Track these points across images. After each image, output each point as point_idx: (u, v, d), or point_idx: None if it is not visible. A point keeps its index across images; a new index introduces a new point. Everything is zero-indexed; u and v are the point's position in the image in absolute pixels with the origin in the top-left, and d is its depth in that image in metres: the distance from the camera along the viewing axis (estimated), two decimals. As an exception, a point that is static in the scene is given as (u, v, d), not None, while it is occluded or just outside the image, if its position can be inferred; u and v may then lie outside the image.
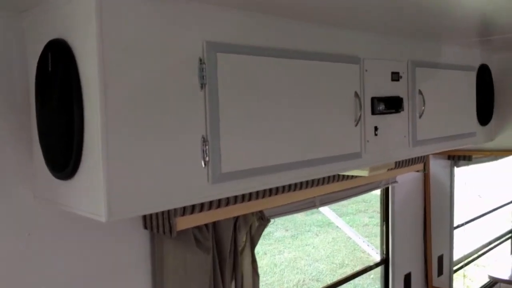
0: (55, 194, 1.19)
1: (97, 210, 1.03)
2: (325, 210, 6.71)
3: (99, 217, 1.03)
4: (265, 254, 8.40)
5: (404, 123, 1.93)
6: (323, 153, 1.56)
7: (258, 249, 7.86)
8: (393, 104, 1.83)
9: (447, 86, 2.18)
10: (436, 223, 3.08)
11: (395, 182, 2.62)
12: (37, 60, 1.19)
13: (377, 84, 1.78)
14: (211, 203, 1.52)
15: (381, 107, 1.77)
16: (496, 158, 3.24)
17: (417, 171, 2.65)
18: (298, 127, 1.46)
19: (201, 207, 1.50)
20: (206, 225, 1.56)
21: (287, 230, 9.37)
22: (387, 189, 2.70)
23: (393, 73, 1.86)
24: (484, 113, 2.51)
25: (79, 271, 1.45)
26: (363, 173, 1.85)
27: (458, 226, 3.45)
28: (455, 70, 2.24)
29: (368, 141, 1.74)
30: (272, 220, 1.82)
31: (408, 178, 2.80)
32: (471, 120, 2.41)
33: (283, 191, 1.80)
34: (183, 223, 1.46)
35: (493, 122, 2.59)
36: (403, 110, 1.89)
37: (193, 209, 1.48)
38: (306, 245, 8.74)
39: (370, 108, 1.75)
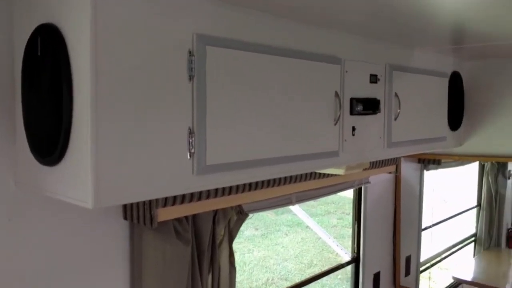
0: (40, 180, 1.19)
1: (83, 196, 1.04)
2: (295, 210, 6.79)
3: (85, 204, 1.03)
4: (235, 252, 8.40)
5: (380, 124, 1.99)
6: (303, 150, 1.60)
7: (228, 248, 7.82)
8: (370, 106, 1.89)
9: (421, 90, 2.26)
10: (405, 224, 3.17)
11: (368, 182, 2.69)
12: (24, 44, 1.18)
13: (356, 85, 1.83)
14: (192, 195, 1.54)
15: (359, 107, 1.82)
16: (463, 163, 3.36)
17: (390, 172, 2.73)
18: (280, 123, 1.49)
19: (182, 199, 1.51)
20: (186, 217, 1.58)
21: (257, 229, 9.41)
22: (360, 189, 2.76)
23: (371, 75, 1.92)
24: (455, 119, 2.61)
25: (58, 258, 1.44)
26: (339, 171, 1.90)
27: (425, 228, 3.56)
28: (429, 75, 2.33)
29: (345, 140, 1.79)
30: (250, 215, 1.85)
31: (381, 179, 2.88)
32: (442, 124, 2.50)
33: (262, 187, 1.83)
34: (164, 214, 1.47)
35: (462, 127, 2.70)
36: (379, 111, 1.95)
37: (174, 200, 1.49)
38: (276, 245, 8.81)
39: (349, 108, 1.80)
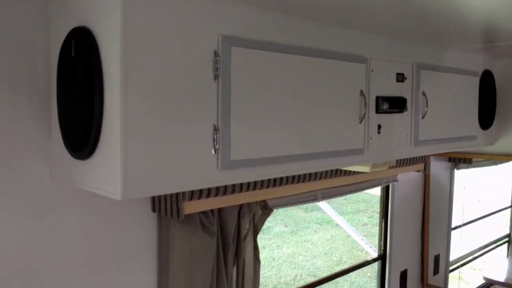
0: (72, 173, 1.26)
1: (112, 188, 1.10)
2: (325, 207, 6.79)
3: (114, 195, 1.10)
4: (264, 248, 8.48)
5: (407, 123, 1.99)
6: (327, 147, 1.63)
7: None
8: (397, 104, 1.89)
9: (450, 89, 2.24)
10: (434, 223, 3.15)
11: (396, 180, 2.69)
12: (60, 46, 1.25)
13: (382, 84, 1.84)
14: (217, 189, 1.59)
15: (385, 106, 1.83)
16: (495, 162, 3.30)
17: (418, 171, 2.71)
18: (304, 121, 1.52)
19: (208, 193, 1.57)
20: (212, 210, 1.63)
21: (286, 226, 9.45)
22: (387, 187, 2.76)
23: (398, 74, 1.92)
24: (486, 118, 2.57)
25: (89, 249, 1.52)
26: (365, 169, 1.91)
27: (456, 228, 3.51)
28: (459, 74, 2.30)
29: (371, 138, 1.81)
30: (275, 210, 1.89)
31: (409, 178, 2.87)
32: (473, 123, 2.46)
33: (286, 183, 1.86)
34: (190, 207, 1.53)
35: (494, 126, 2.65)
36: (406, 110, 1.95)
37: (200, 194, 1.55)
38: (305, 241, 8.83)
39: (374, 106, 1.81)
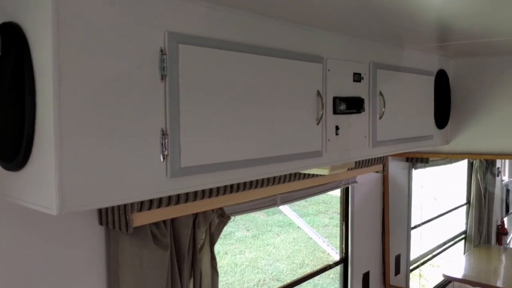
0: (4, 186, 1.14)
1: (47, 202, 0.99)
2: (286, 210, 6.76)
3: (50, 210, 0.99)
4: (226, 254, 8.38)
5: (365, 123, 1.96)
6: (284, 150, 1.56)
7: (219, 249, 7.77)
8: (354, 105, 1.86)
9: (406, 89, 2.23)
10: (394, 223, 3.15)
11: (355, 182, 2.66)
12: None
13: (339, 84, 1.80)
14: (169, 199, 1.49)
15: (343, 107, 1.78)
16: (451, 161, 3.35)
17: (377, 172, 2.70)
18: (260, 123, 1.45)
19: (159, 202, 1.47)
20: (164, 221, 1.53)
21: (248, 230, 9.40)
22: (347, 189, 2.73)
23: (355, 74, 1.89)
24: (441, 117, 2.59)
25: (30, 268, 1.39)
26: (324, 171, 1.86)
27: (415, 227, 3.54)
28: (414, 74, 2.30)
29: (329, 140, 1.76)
30: (232, 218, 1.81)
31: (368, 179, 2.85)
32: (429, 123, 2.47)
33: (244, 189, 1.79)
34: (140, 219, 1.43)
35: (449, 125, 2.68)
36: (364, 110, 1.91)
37: (150, 204, 1.45)
38: (267, 245, 8.79)
39: (332, 107, 1.76)
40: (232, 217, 1.82)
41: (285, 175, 2.04)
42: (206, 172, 1.29)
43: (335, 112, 1.77)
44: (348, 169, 2.03)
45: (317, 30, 1.69)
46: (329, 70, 1.74)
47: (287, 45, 1.56)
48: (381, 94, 2.01)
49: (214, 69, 1.29)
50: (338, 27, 1.70)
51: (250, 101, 1.41)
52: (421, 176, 3.47)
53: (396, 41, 2.07)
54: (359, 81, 1.91)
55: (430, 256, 4.13)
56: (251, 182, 1.86)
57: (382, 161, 2.65)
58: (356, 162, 2.37)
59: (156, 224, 1.50)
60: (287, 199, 2.15)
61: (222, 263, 8.05)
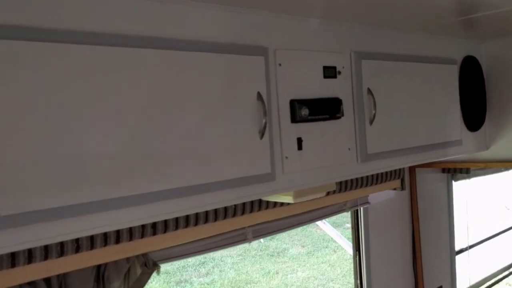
0: None
1: None
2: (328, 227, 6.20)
3: None
4: (277, 273, 7.94)
5: (347, 132, 1.49)
6: (216, 176, 1.15)
7: (270, 268, 7.34)
8: (325, 108, 1.40)
9: (413, 82, 1.72)
10: (431, 249, 2.58)
11: (366, 203, 2.16)
12: None
13: (299, 82, 1.36)
14: (46, 249, 1.12)
15: (305, 112, 1.34)
16: (496, 171, 2.72)
17: (394, 189, 2.18)
18: (179, 141, 1.06)
19: (28, 257, 1.10)
20: (47, 279, 1.16)
21: (303, 247, 8.96)
22: (357, 212, 2.23)
23: (326, 68, 1.43)
24: (474, 116, 2.04)
25: None
26: (287, 199, 1.42)
27: (460, 251, 2.93)
28: (425, 63, 1.79)
29: (287, 157, 1.32)
30: (162, 266, 1.40)
31: (387, 197, 2.32)
32: (454, 125, 1.94)
33: (176, 227, 1.38)
34: (8, 278, 1.07)
35: (486, 127, 2.11)
36: (342, 115, 1.45)
37: (12, 260, 1.08)
38: (322, 263, 8.27)
39: (288, 114, 1.33)
40: (164, 264, 1.41)
41: (253, 202, 1.61)
42: (84, 212, 0.91)
43: (294, 119, 1.33)
44: (327, 193, 1.56)
45: (260, 12, 1.27)
46: (280, 64, 1.31)
47: (212, 34, 1.16)
48: (370, 92, 1.54)
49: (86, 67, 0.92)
50: (295, 7, 1.27)
51: (165, 111, 1.04)
52: (464, 189, 2.86)
53: (394, 23, 1.59)
54: (334, 76, 1.46)
55: (489, 283, 3.44)
56: (196, 215, 1.45)
57: (400, 175, 2.13)
58: (361, 179, 1.88)
59: (33, 284, 1.13)
60: (264, 231, 1.71)
61: (272, 284, 7.61)
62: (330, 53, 1.45)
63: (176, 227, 1.37)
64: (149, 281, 1.34)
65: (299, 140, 1.35)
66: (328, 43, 1.46)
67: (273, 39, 1.30)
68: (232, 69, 1.19)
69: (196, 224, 1.42)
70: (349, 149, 1.50)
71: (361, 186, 1.90)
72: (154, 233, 1.32)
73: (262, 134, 1.23)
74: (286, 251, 8.90)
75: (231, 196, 1.20)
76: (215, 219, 1.52)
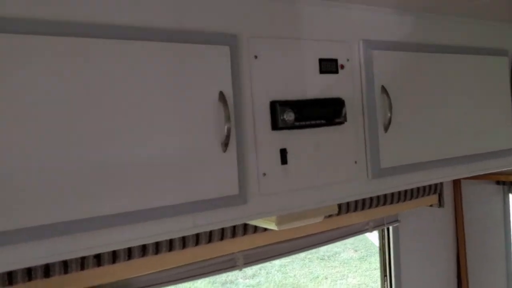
0: None
1: None
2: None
3: None
4: (326, 278, 7.58)
5: (353, 141, 1.19)
6: (162, 198, 0.90)
7: (319, 272, 7.01)
8: (320, 112, 1.11)
9: (450, 80, 1.38)
10: (482, 272, 2.19)
11: (396, 221, 1.81)
12: None
13: (284, 79, 1.07)
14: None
15: (289, 116, 1.05)
16: None
17: (430, 205, 1.82)
18: (100, 153, 0.83)
19: None
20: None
21: (356, 251, 8.52)
22: (387, 231, 1.89)
23: (323, 61, 1.14)
24: None
25: None
26: (270, 225, 1.14)
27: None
28: (466, 55, 1.44)
29: (265, 174, 1.04)
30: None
31: (424, 214, 1.96)
32: (504, 130, 1.56)
33: (143, 254, 1.14)
34: None
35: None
36: (345, 120, 1.15)
37: None
38: (374, 269, 7.79)
39: (268, 119, 1.05)
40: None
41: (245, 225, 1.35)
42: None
43: (276, 126, 1.05)
44: (326, 216, 1.25)
45: None
46: (255, 57, 1.03)
47: (163, 20, 0.91)
48: (384, 90, 1.22)
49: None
50: None
51: (116, 112, 0.80)
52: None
53: (418, 1, 1.26)
54: (334, 71, 1.16)
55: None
56: (170, 241, 1.21)
57: (437, 189, 1.77)
58: (373, 198, 1.55)
59: None
60: (258, 257, 1.44)
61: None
62: (329, 42, 1.16)
63: (145, 254, 1.13)
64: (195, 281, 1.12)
65: (283, 152, 1.07)
66: (326, 29, 1.16)
67: (246, 24, 1.03)
68: (186, 62, 0.93)
69: (157, 252, 1.17)
70: (355, 162, 1.19)
71: (384, 204, 1.57)
72: (112, 262, 1.09)
73: (225, 146, 0.96)
74: (337, 255, 8.53)
75: (185, 225, 0.95)
76: (196, 243, 1.27)
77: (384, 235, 1.87)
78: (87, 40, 0.82)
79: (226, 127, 0.95)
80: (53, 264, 1.02)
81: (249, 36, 1.02)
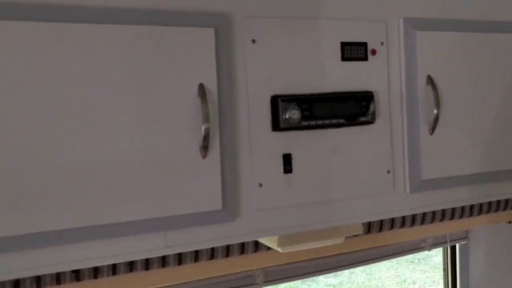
0: None
1: None
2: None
3: None
4: (414, 283, 7.07)
5: (384, 145, 0.95)
6: (137, 212, 0.76)
7: (406, 275, 6.63)
8: (338, 108, 0.89)
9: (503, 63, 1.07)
10: None
11: (465, 238, 1.51)
12: None
13: (291, 69, 0.87)
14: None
15: (293, 114, 0.85)
16: None
17: (510, 222, 1.49)
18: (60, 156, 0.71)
19: None
20: None
21: (450, 255, 7.85)
22: (452, 250, 1.59)
23: (346, 45, 0.91)
24: None
25: None
26: (273, 244, 0.94)
27: None
28: None
29: (261, 185, 0.85)
30: None
31: (500, 230, 1.61)
32: None
33: (130, 269, 1.01)
34: None
35: None
36: (373, 119, 0.92)
37: None
38: (470, 278, 7.13)
39: (269, 118, 0.86)
40: None
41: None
42: None
43: (277, 126, 0.85)
44: (347, 237, 1.02)
45: None
46: (253, 41, 0.84)
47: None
48: (431, 81, 0.96)
49: None
50: None
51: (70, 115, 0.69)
52: None
53: None
54: (363, 58, 0.93)
55: None
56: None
57: (516, 204, 1.44)
58: (422, 215, 1.27)
59: None
60: (283, 275, 1.24)
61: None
62: (356, 21, 0.93)
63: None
64: None
65: (287, 158, 0.87)
66: (353, 4, 0.93)
67: (241, 1, 0.84)
68: (159, 50, 0.77)
69: (148, 267, 1.03)
70: (388, 172, 0.95)
71: (441, 219, 1.29)
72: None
73: (205, 150, 0.79)
74: (429, 259, 7.91)
75: (154, 245, 0.79)
76: (212, 257, 1.11)
77: (447, 254, 1.58)
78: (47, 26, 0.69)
79: (203, 127, 0.77)
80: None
81: (245, 15, 0.83)
